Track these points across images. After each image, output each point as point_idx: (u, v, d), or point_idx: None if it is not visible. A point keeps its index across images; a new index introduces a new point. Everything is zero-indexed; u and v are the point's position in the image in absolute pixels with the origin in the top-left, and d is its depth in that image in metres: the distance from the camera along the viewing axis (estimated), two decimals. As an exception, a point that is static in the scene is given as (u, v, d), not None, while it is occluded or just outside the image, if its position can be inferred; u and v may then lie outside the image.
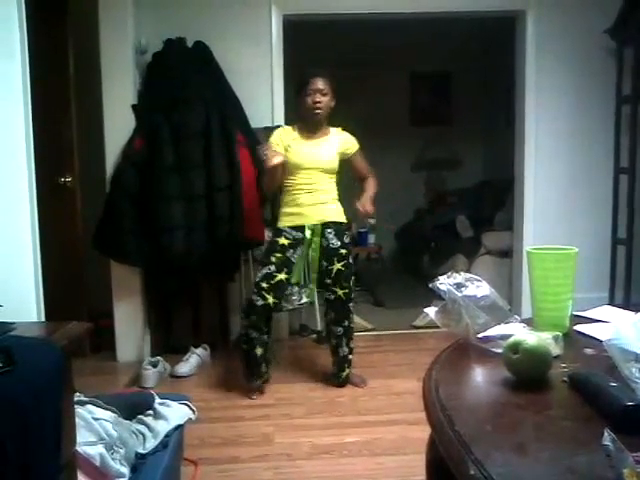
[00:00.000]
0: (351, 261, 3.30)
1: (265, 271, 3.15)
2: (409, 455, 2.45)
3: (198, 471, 2.43)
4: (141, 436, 1.76)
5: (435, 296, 1.28)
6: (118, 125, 3.69)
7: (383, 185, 6.24)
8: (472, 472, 0.71)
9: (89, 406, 1.62)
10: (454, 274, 1.27)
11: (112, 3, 3.66)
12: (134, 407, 1.90)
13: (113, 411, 1.67)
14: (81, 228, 3.83)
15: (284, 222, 3.23)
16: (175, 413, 1.93)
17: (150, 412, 1.91)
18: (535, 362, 0.99)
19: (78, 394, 1.70)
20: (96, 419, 1.58)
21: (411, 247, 6.18)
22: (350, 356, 3.34)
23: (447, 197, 6.41)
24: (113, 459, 1.53)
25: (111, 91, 3.70)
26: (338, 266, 3.21)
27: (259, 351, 3.22)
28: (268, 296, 3.13)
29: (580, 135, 4.16)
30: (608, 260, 4.16)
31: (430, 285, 1.28)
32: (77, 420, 1.56)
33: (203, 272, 3.78)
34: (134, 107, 3.70)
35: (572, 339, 1.27)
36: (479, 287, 1.23)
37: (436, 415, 0.90)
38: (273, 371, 3.44)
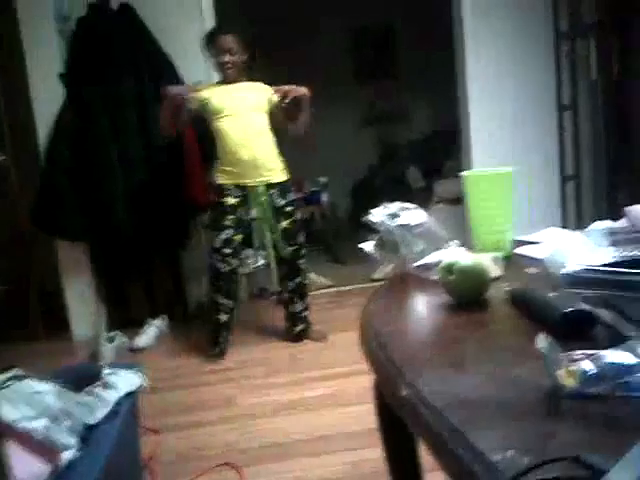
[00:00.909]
0: (298, 217, 3.24)
1: (223, 236, 3.07)
2: (371, 404, 2.44)
3: (160, 439, 2.39)
4: (89, 406, 1.70)
5: (371, 230, 1.24)
6: (47, 96, 3.53)
7: (334, 142, 6.21)
8: (404, 393, 0.67)
9: (28, 380, 1.54)
10: (387, 205, 1.23)
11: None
12: (82, 379, 1.83)
13: (55, 383, 1.60)
14: (21, 206, 3.67)
15: (225, 179, 3.12)
16: (125, 381, 1.87)
17: (99, 383, 1.84)
18: (471, 281, 0.96)
19: (16, 369, 1.62)
20: (37, 393, 1.51)
21: (365, 202, 6.14)
22: (305, 312, 3.33)
23: (398, 150, 6.38)
24: (58, 432, 1.47)
25: (35, 61, 3.52)
26: (284, 224, 3.16)
27: (224, 317, 3.18)
28: (232, 260, 3.09)
29: (522, 74, 4.13)
30: (558, 197, 4.19)
31: (363, 219, 1.24)
32: (15, 396, 1.50)
33: (152, 242, 3.67)
34: (61, 76, 3.53)
35: (513, 260, 1.24)
36: (413, 215, 1.19)
37: (370, 344, 0.86)
38: (234, 334, 3.40)
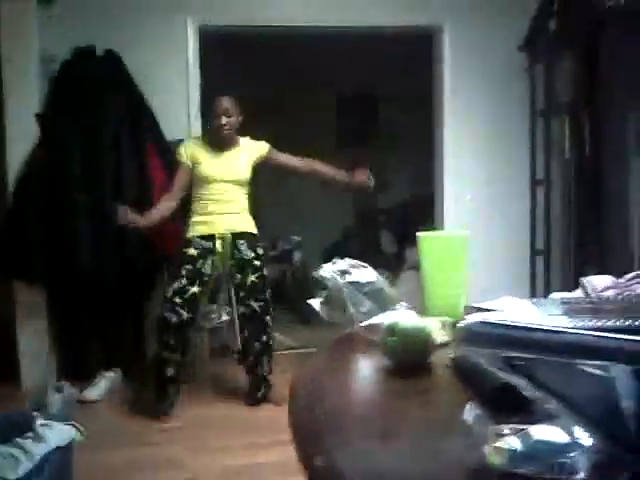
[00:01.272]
0: (265, 273, 3.19)
1: (176, 285, 3.00)
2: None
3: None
4: (13, 460, 1.58)
5: (319, 287, 1.19)
6: (21, 135, 3.49)
7: (312, 203, 6.21)
8: (318, 462, 0.60)
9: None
10: (338, 261, 1.18)
11: (15, 8, 3.47)
12: (11, 428, 1.72)
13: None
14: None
15: (193, 232, 3.12)
16: (58, 435, 1.75)
17: (29, 434, 1.72)
18: (412, 345, 0.90)
19: None
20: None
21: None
22: (269, 375, 3.22)
23: (373, 215, 6.41)
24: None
25: (15, 100, 3.50)
26: (252, 278, 3.10)
27: (170, 372, 3.07)
28: (182, 311, 2.99)
29: (498, 148, 4.20)
30: (527, 271, 4.19)
31: (313, 274, 1.18)
32: None
33: (115, 290, 3.57)
34: (38, 116, 3.50)
35: (464, 328, 1.19)
36: (364, 273, 1.14)
37: (296, 407, 0.79)
38: (190, 392, 3.27)
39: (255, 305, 3.11)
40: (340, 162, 6.38)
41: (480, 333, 0.83)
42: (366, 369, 0.98)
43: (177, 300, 2.98)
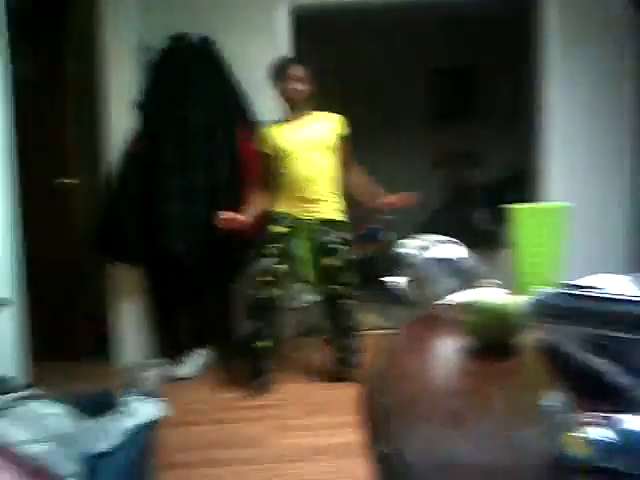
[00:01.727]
0: (351, 257, 3.13)
1: (265, 264, 3.01)
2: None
3: (184, 474, 2.28)
4: (103, 434, 1.62)
5: (401, 264, 1.12)
6: (120, 124, 3.59)
7: (405, 180, 6.10)
8: (381, 449, 0.54)
9: (37, 402, 1.48)
10: (420, 236, 1.10)
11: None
12: (101, 404, 1.76)
13: (67, 406, 1.53)
14: (82, 229, 3.71)
15: (279, 207, 3.09)
16: (143, 411, 1.79)
17: (117, 410, 1.77)
18: (495, 323, 0.82)
19: (29, 389, 1.56)
20: (43, 416, 1.44)
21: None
22: (350, 354, 3.18)
23: (468, 192, 6.20)
24: (63, 457, 1.39)
25: (113, 90, 3.60)
26: (337, 262, 3.06)
27: (264, 347, 3.08)
28: (272, 290, 3.00)
29: (604, 121, 3.91)
30: (631, 250, 3.90)
31: (395, 251, 1.11)
32: (25, 416, 1.43)
33: (206, 272, 3.63)
34: (136, 105, 3.59)
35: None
36: (448, 248, 1.06)
37: (368, 388, 0.73)
38: (277, 372, 3.29)
39: (339, 288, 3.08)
40: (433, 137, 6.32)
41: (556, 306, 0.72)
42: (446, 349, 0.90)
43: (266, 278, 2.99)
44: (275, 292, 3.02)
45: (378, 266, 5.23)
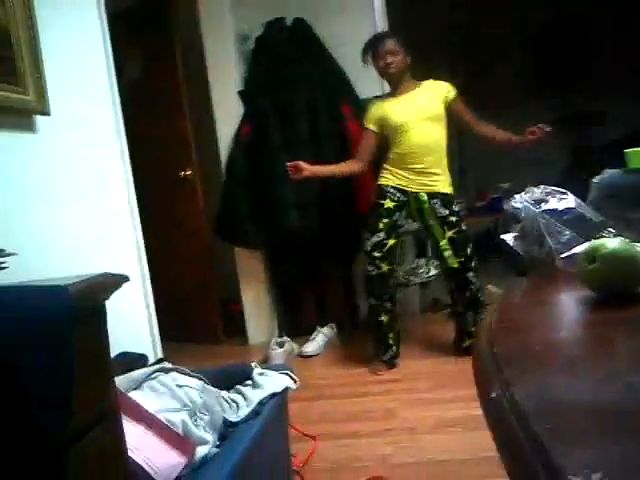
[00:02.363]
0: (464, 228, 3.05)
1: (375, 239, 3.02)
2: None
3: (316, 446, 2.35)
4: (234, 404, 1.70)
5: (513, 219, 1.08)
6: (227, 114, 3.74)
7: (521, 148, 5.86)
8: (493, 394, 0.53)
9: (174, 373, 1.58)
10: (532, 189, 1.05)
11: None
12: (232, 378, 1.86)
13: (200, 378, 1.62)
14: (205, 218, 3.91)
15: (387, 180, 3.08)
16: (273, 382, 1.86)
17: (248, 382, 1.85)
18: (616, 270, 0.76)
19: (164, 362, 1.68)
20: (180, 386, 1.54)
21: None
22: (474, 327, 3.11)
23: (593, 153, 5.84)
24: (196, 426, 1.48)
25: (218, 81, 3.76)
26: (450, 234, 3.00)
27: (385, 320, 3.11)
28: (382, 264, 3.01)
29: None
30: None
31: (505, 206, 1.08)
32: (160, 387, 1.54)
33: (323, 250, 3.70)
34: (240, 93, 3.71)
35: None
36: (562, 200, 1.01)
37: (480, 341, 0.71)
38: (403, 346, 3.29)
39: (455, 262, 3.02)
40: (541, 114, 6.01)
41: (622, 184, 0.66)
42: (561, 303, 0.86)
43: (376, 254, 3.01)
44: (384, 267, 3.02)
45: (498, 238, 5.07)
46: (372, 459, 2.23)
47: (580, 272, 0.80)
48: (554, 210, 0.99)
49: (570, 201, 1.01)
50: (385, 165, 3.11)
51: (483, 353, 0.65)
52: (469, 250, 3.04)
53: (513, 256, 3.77)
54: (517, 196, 1.06)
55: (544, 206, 1.01)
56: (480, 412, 1.98)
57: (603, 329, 0.68)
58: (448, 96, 3.04)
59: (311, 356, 3.48)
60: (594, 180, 0.73)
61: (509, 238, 1.07)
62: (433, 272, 3.85)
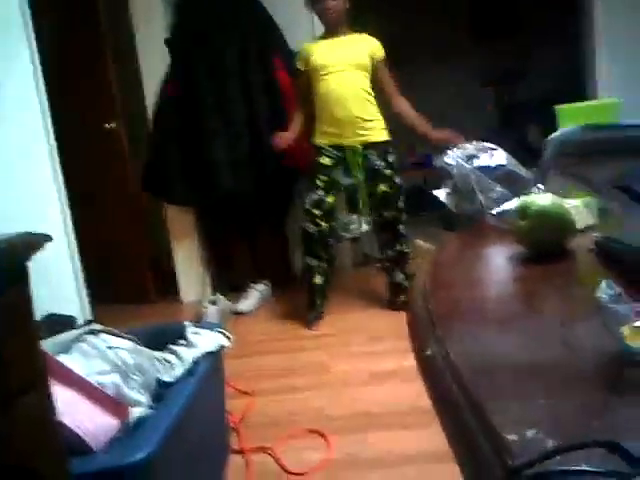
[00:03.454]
0: (398, 182, 3.08)
1: (314, 196, 3.01)
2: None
3: (252, 402, 2.37)
4: (168, 364, 1.68)
5: (444, 175, 1.08)
6: (154, 64, 3.60)
7: (450, 104, 5.92)
8: (428, 352, 0.53)
9: (103, 335, 1.54)
10: (464, 144, 1.06)
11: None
12: (164, 337, 1.83)
13: (131, 339, 1.59)
14: (133, 173, 3.78)
15: (322, 139, 3.05)
16: (207, 341, 1.84)
17: (181, 341, 1.83)
18: (547, 226, 0.78)
19: (93, 324, 1.63)
20: (110, 348, 1.50)
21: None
22: (406, 282, 3.17)
23: (518, 110, 5.97)
24: (129, 387, 1.45)
25: (143, 29, 3.59)
26: (383, 187, 3.02)
27: (318, 280, 3.12)
28: (321, 222, 3.01)
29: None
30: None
31: (436, 162, 1.08)
32: (89, 349, 1.50)
33: (256, 206, 3.66)
34: (167, 41, 3.56)
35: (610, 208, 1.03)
36: (493, 156, 1.02)
37: (414, 299, 0.72)
38: (335, 300, 3.33)
39: (388, 215, 3.06)
40: (477, 55, 6.06)
41: (581, 141, 0.66)
42: (493, 258, 0.87)
43: (315, 212, 3.01)
44: (324, 225, 3.02)
45: (429, 193, 5.16)
46: (308, 413, 2.27)
47: (512, 229, 0.81)
48: (485, 166, 1.00)
49: (501, 157, 1.02)
50: (317, 124, 3.08)
51: (418, 309, 0.66)
52: (401, 204, 3.07)
53: (442, 212, 3.85)
54: (449, 152, 1.07)
55: (476, 162, 1.02)
56: (413, 364, 2.02)
57: (535, 285, 0.70)
58: (376, 54, 3.02)
59: (245, 313, 3.48)
60: (550, 138, 0.73)
61: (441, 194, 1.07)
62: (365, 227, 3.87)
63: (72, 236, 2.29)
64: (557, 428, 0.38)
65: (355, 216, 3.82)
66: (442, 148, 3.45)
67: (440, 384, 0.49)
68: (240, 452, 2.04)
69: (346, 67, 2.96)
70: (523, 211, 0.80)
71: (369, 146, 3.00)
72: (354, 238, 3.96)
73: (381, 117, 3.05)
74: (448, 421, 0.45)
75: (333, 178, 3.01)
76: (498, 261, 0.84)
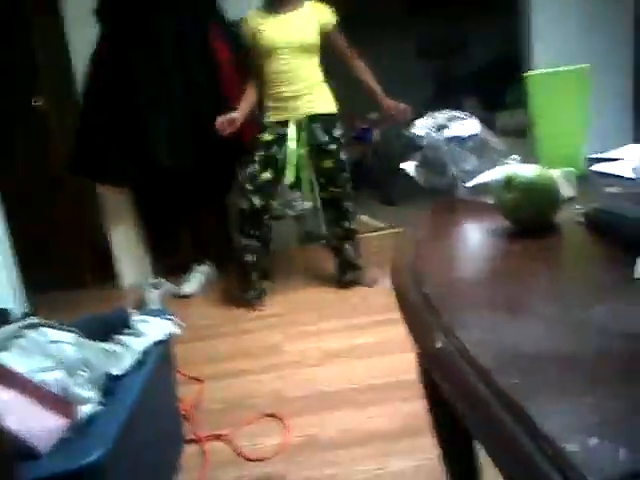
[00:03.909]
0: (343, 157, 3.01)
1: (248, 171, 2.92)
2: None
3: (204, 387, 2.29)
4: (115, 356, 1.58)
5: (413, 148, 1.03)
6: (83, 36, 3.37)
7: (387, 76, 5.87)
8: (439, 344, 0.47)
9: (43, 329, 1.43)
10: (434, 114, 1.01)
11: None
12: (108, 326, 1.72)
13: (74, 332, 1.48)
14: (62, 152, 3.56)
15: (268, 117, 2.96)
16: (155, 329, 1.75)
17: (127, 331, 1.72)
18: (535, 199, 0.73)
19: (31, 317, 1.51)
20: (53, 342, 1.39)
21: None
22: (354, 259, 3.14)
23: (455, 83, 5.99)
24: (75, 384, 1.35)
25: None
26: (328, 163, 2.96)
27: (249, 258, 3.02)
28: (254, 198, 2.91)
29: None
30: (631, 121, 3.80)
31: (405, 132, 1.02)
32: (29, 345, 1.38)
33: (196, 184, 3.52)
34: (96, 12, 3.35)
35: (589, 180, 1.00)
36: (465, 125, 0.97)
37: (400, 280, 0.66)
38: (282, 279, 3.26)
39: (334, 191, 2.99)
40: (413, 27, 6.03)
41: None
42: (477, 234, 0.82)
43: (248, 187, 2.91)
44: (257, 202, 2.93)
45: (370, 167, 5.13)
46: (262, 396, 2.21)
47: (497, 202, 0.76)
48: (458, 137, 0.95)
49: (474, 126, 0.97)
50: (265, 101, 2.97)
51: (411, 295, 0.60)
52: (345, 180, 3.02)
53: (383, 186, 3.83)
54: (418, 122, 1.01)
55: (447, 132, 0.96)
56: (365, 342, 1.99)
57: (532, 262, 0.65)
58: (327, 24, 2.91)
59: (189, 296, 3.37)
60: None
61: (409, 167, 1.02)
62: (308, 204, 3.81)
63: (2, 224, 2.13)
64: (621, 433, 0.33)
65: (298, 193, 3.75)
66: (390, 119, 3.42)
67: (461, 382, 0.43)
68: (195, 441, 1.97)
69: (295, 49, 2.84)
70: (508, 183, 0.75)
71: (314, 119, 2.91)
72: (297, 216, 3.90)
73: (329, 91, 2.97)
74: (479, 424, 0.40)
75: (272, 154, 2.91)
76: (484, 237, 0.78)
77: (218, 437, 1.97)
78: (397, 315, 2.30)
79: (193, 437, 1.97)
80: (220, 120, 2.86)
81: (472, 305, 0.55)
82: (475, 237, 0.81)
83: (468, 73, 5.93)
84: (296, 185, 3.49)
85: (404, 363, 2.26)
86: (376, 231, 4.06)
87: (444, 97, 5.96)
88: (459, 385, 0.43)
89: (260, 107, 3.07)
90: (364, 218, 3.71)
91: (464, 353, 0.45)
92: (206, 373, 2.40)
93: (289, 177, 2.94)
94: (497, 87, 5.24)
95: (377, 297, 2.99)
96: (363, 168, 4.93)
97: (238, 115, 2.88)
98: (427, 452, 1.73)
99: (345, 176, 3.01)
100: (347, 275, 3.15)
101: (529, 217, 0.74)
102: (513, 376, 0.41)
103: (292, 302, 3.09)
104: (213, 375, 2.40)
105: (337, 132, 2.97)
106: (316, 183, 3.14)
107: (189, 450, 1.92)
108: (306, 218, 4.01)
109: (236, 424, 2.01)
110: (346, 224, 3.07)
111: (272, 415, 2.06)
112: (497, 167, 0.92)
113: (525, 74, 1.03)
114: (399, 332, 2.57)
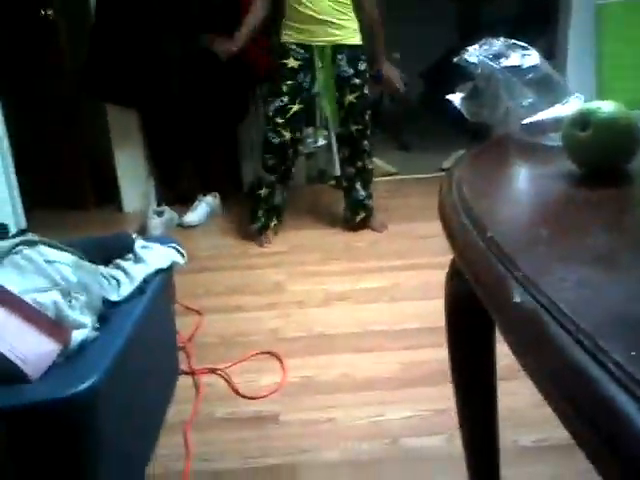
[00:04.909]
0: (366, 92, 2.87)
1: (278, 103, 2.77)
2: (432, 300, 2.17)
3: (202, 320, 2.22)
4: (114, 281, 1.50)
5: (463, 78, 0.91)
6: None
7: (411, 18, 5.63)
8: (517, 299, 0.38)
9: (41, 247, 1.34)
10: (490, 40, 0.89)
11: None
12: (110, 250, 1.63)
13: (73, 253, 1.39)
14: (71, 68, 3.40)
15: (289, 37, 2.77)
16: (158, 257, 1.66)
17: (129, 256, 1.64)
18: (616, 139, 0.63)
19: (29, 234, 1.42)
20: (50, 262, 1.31)
21: (439, 87, 5.63)
22: (366, 200, 3.03)
23: (481, 30, 5.74)
24: (71, 307, 1.27)
25: None
26: (350, 98, 2.81)
27: (264, 192, 2.92)
28: (285, 132, 2.78)
29: None
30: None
31: (455, 60, 0.91)
32: (25, 263, 1.30)
33: (207, 113, 3.38)
34: None
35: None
36: (525, 56, 0.86)
37: (456, 220, 0.56)
38: (289, 218, 3.17)
39: (353, 127, 2.86)
40: None
41: None
42: (538, 177, 0.72)
43: (278, 120, 2.77)
44: (287, 135, 2.80)
45: (387, 110, 4.96)
46: (260, 333, 2.15)
47: (568, 142, 0.66)
48: (516, 67, 0.84)
49: (534, 58, 0.86)
50: (284, 20, 2.79)
51: (472, 240, 0.50)
52: (367, 117, 2.89)
53: (398, 130, 3.67)
54: (471, 48, 0.89)
55: (504, 62, 0.85)
56: (369, 287, 1.89)
57: (613, 211, 0.55)
58: None
59: (193, 226, 3.28)
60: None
61: (456, 99, 0.90)
62: (321, 142, 3.68)
63: (4, 137, 2.01)
64: None
65: (311, 129, 3.62)
66: (395, 59, 3.26)
67: (558, 349, 0.34)
68: (189, 373, 1.91)
69: None
70: (584, 120, 0.64)
71: (339, 50, 2.75)
72: (309, 153, 3.78)
73: (355, 20, 2.79)
74: (593, 409, 0.31)
75: (300, 83, 2.76)
76: (547, 181, 0.68)
77: (213, 371, 1.91)
78: (406, 262, 2.22)
79: (188, 370, 1.92)
80: (213, 42, 2.83)
81: (552, 255, 0.46)
82: (537, 180, 0.71)
83: (495, 21, 5.68)
84: (309, 122, 3.36)
85: (409, 310, 2.21)
86: (388, 176, 3.94)
87: (468, 44, 5.75)
88: (547, 348, 0.34)
89: (270, 26, 2.90)
90: (377, 161, 3.57)
91: (557, 314, 0.36)
92: (205, 306, 2.34)
93: (328, 108, 2.81)
94: (525, 37, 5.02)
95: (386, 242, 2.90)
96: (379, 111, 4.75)
97: (231, 45, 2.82)
98: (428, 402, 1.68)
99: (366, 113, 2.87)
100: (357, 216, 3.04)
101: (607, 159, 0.64)
102: (628, 347, 0.31)
103: (298, 242, 3.00)
104: (212, 309, 2.33)
105: (362, 66, 2.82)
106: (333, 118, 3.01)
107: (183, 383, 1.87)
108: (318, 155, 3.89)
109: (232, 360, 1.96)
110: (360, 163, 2.95)
111: (269, 353, 2.00)
112: (558, 105, 0.81)
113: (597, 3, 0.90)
114: (407, 279, 2.50)
